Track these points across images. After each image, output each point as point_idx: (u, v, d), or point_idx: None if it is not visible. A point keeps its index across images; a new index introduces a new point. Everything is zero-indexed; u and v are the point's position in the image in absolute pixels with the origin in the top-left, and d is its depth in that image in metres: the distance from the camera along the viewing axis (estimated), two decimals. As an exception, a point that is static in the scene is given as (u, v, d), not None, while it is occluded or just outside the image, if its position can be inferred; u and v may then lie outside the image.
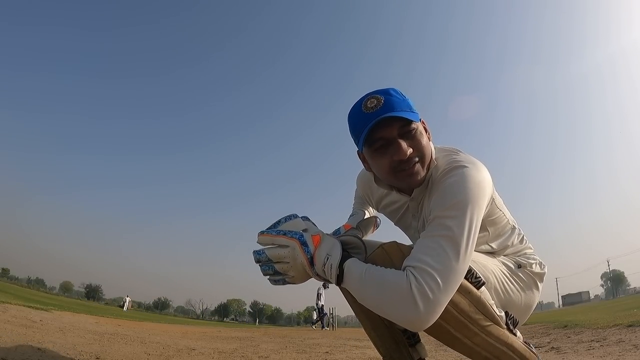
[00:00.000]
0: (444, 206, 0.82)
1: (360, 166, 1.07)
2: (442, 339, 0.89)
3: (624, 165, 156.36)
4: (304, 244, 0.88)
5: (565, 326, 3.77)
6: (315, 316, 12.95)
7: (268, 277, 0.93)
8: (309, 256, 0.87)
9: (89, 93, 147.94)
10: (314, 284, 12.13)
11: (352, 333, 7.14)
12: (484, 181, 0.87)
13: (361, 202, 1.34)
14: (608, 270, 60.40)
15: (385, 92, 0.89)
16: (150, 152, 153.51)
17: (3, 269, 59.40)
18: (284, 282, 0.92)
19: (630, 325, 2.68)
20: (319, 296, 11.99)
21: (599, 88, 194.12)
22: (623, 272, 62.17)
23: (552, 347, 2.31)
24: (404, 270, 0.78)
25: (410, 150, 0.87)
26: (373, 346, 1.21)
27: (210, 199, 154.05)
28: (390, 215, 1.20)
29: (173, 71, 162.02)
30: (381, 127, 0.86)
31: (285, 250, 0.88)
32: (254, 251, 0.92)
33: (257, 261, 0.91)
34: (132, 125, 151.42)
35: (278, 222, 0.97)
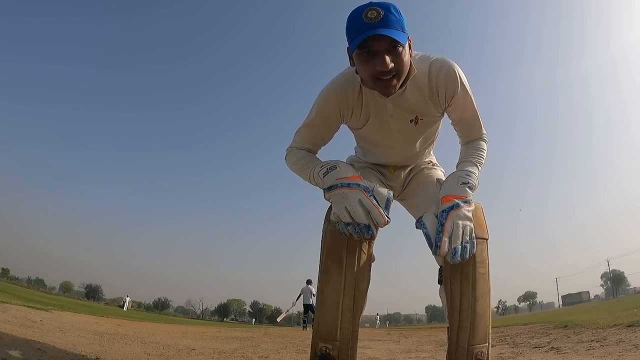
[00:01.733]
0: (460, 88, 1.15)
1: None
2: (470, 286, 1.06)
3: (625, 165, 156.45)
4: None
5: (565, 326, 3.77)
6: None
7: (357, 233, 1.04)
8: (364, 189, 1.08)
9: (86, 88, 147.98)
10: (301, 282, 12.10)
11: (352, 333, 7.11)
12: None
13: (326, 122, 1.26)
14: (608, 270, 60.38)
15: (386, 8, 1.01)
16: (150, 148, 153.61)
17: (3, 269, 59.38)
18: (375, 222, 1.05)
19: (630, 325, 2.67)
20: (311, 294, 11.88)
21: (600, 87, 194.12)
22: (623, 272, 62.15)
23: (552, 347, 2.30)
24: (480, 140, 1.28)
25: (392, 65, 1.03)
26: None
27: (211, 197, 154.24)
28: (370, 124, 1.26)
29: (173, 62, 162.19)
30: (373, 39, 1.00)
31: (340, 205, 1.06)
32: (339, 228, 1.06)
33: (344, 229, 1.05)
34: (132, 121, 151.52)
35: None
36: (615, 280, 60.89)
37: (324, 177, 1.12)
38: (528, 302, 73.51)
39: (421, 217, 1.09)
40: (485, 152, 1.25)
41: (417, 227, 1.09)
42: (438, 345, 3.03)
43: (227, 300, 76.22)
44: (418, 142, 1.34)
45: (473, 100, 1.21)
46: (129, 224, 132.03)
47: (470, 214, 1.05)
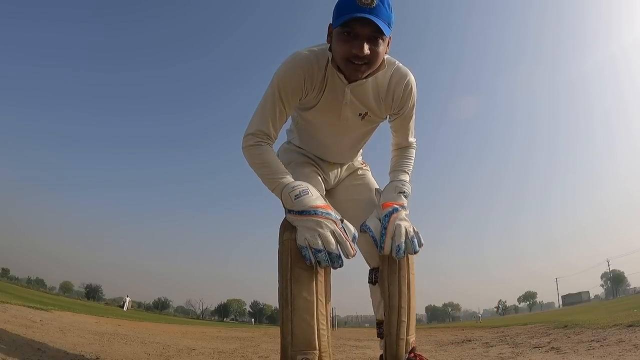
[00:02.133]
0: (410, 102, 1.26)
1: None
2: (406, 286, 1.19)
3: (626, 164, 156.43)
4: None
5: (565, 326, 3.77)
6: None
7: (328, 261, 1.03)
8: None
9: (89, 91, 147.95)
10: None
11: (352, 333, 7.15)
12: None
13: (289, 91, 1.17)
14: (608, 270, 60.31)
15: (382, 0, 1.04)
16: (150, 150, 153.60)
17: (3, 269, 59.26)
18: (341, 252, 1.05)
19: (630, 325, 2.67)
20: None
21: (601, 87, 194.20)
22: (623, 272, 62.07)
23: (552, 347, 2.30)
24: (411, 147, 1.43)
25: (368, 52, 1.05)
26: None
27: (211, 198, 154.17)
28: (323, 105, 1.24)
29: (173, 65, 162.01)
30: (360, 22, 1.02)
31: (312, 232, 1.05)
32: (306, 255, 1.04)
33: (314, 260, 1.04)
34: (132, 122, 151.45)
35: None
36: (615, 280, 60.85)
37: (295, 199, 1.08)
38: (528, 302, 73.46)
39: (365, 221, 1.23)
40: (414, 159, 1.43)
41: (361, 231, 1.21)
42: (438, 345, 3.03)
43: (227, 300, 76.20)
44: (356, 137, 1.38)
45: (415, 114, 1.33)
46: (130, 224, 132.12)
47: (407, 217, 1.22)
